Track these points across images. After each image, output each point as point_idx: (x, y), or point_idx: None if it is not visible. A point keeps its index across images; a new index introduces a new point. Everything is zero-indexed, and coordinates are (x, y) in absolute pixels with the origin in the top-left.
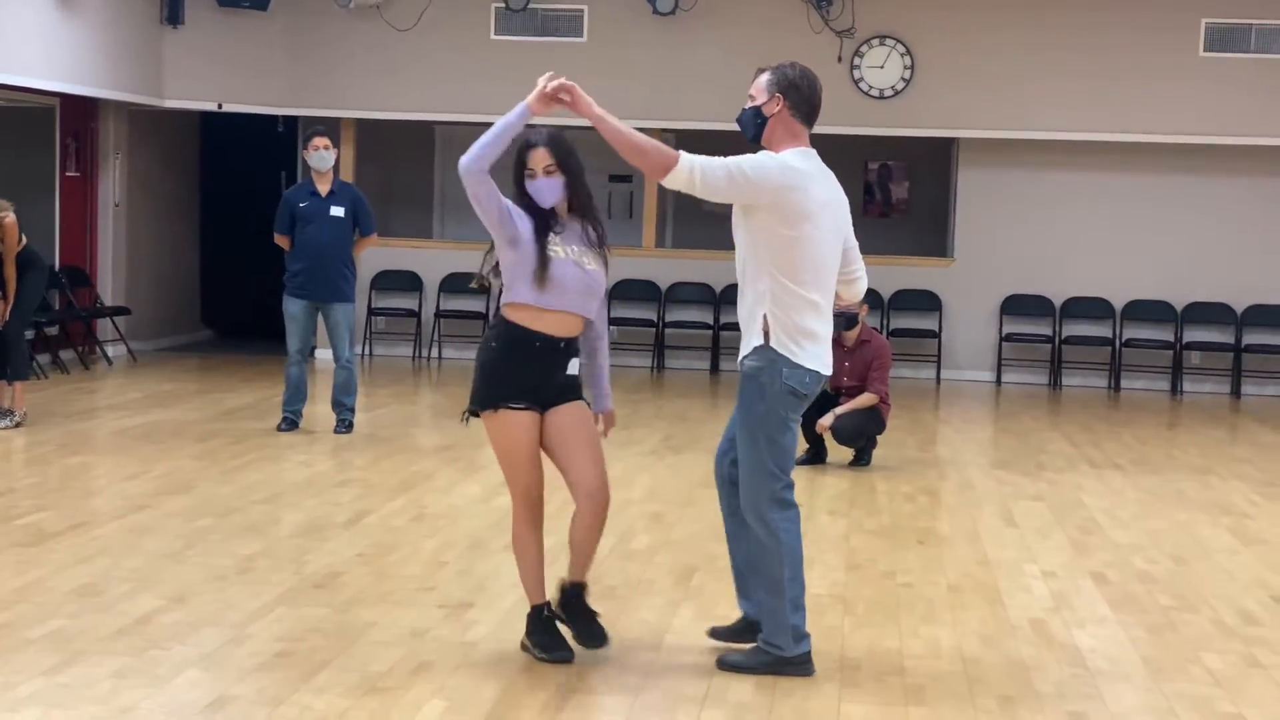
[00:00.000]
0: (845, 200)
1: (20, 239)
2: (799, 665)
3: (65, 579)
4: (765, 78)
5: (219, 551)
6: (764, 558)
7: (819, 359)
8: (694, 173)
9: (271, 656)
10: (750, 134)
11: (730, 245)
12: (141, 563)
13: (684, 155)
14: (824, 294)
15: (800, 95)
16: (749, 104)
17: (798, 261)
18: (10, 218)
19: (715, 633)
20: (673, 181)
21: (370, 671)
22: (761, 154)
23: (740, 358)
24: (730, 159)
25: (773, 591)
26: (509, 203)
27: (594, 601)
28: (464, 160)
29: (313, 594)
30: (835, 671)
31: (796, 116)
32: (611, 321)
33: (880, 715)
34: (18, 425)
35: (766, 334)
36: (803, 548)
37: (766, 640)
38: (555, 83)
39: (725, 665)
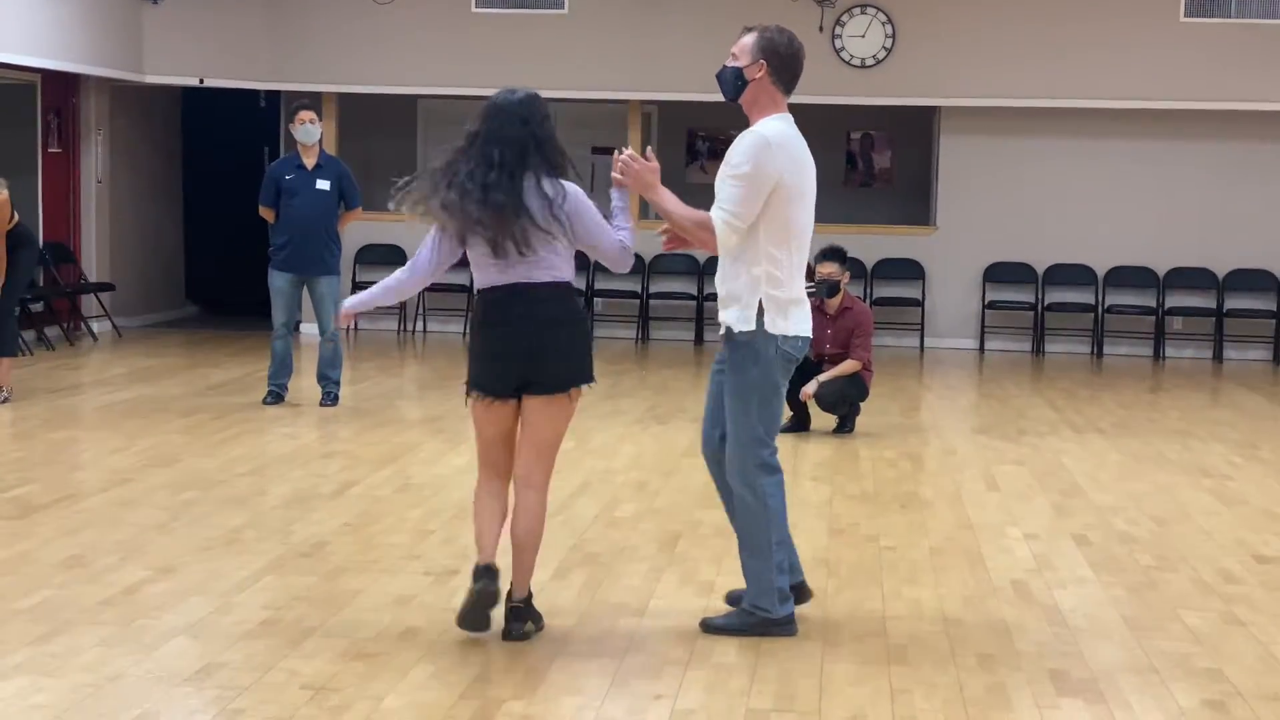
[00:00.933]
0: (814, 166)
1: (13, 216)
2: (784, 626)
3: (52, 551)
4: (750, 39)
5: (205, 523)
6: (750, 522)
7: (805, 323)
8: (726, 217)
9: (259, 624)
10: (729, 94)
11: None
12: (128, 534)
13: (714, 216)
14: (805, 257)
15: (783, 62)
16: (731, 62)
17: (793, 232)
18: (3, 195)
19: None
20: (725, 239)
21: (357, 637)
22: (746, 143)
23: (727, 328)
24: (729, 176)
25: (759, 555)
26: None
27: (580, 568)
28: (630, 254)
29: (299, 563)
30: (818, 633)
31: (778, 83)
32: (596, 294)
33: (862, 674)
34: (4, 401)
35: (761, 317)
36: (787, 512)
37: (753, 603)
38: (621, 162)
39: (710, 628)
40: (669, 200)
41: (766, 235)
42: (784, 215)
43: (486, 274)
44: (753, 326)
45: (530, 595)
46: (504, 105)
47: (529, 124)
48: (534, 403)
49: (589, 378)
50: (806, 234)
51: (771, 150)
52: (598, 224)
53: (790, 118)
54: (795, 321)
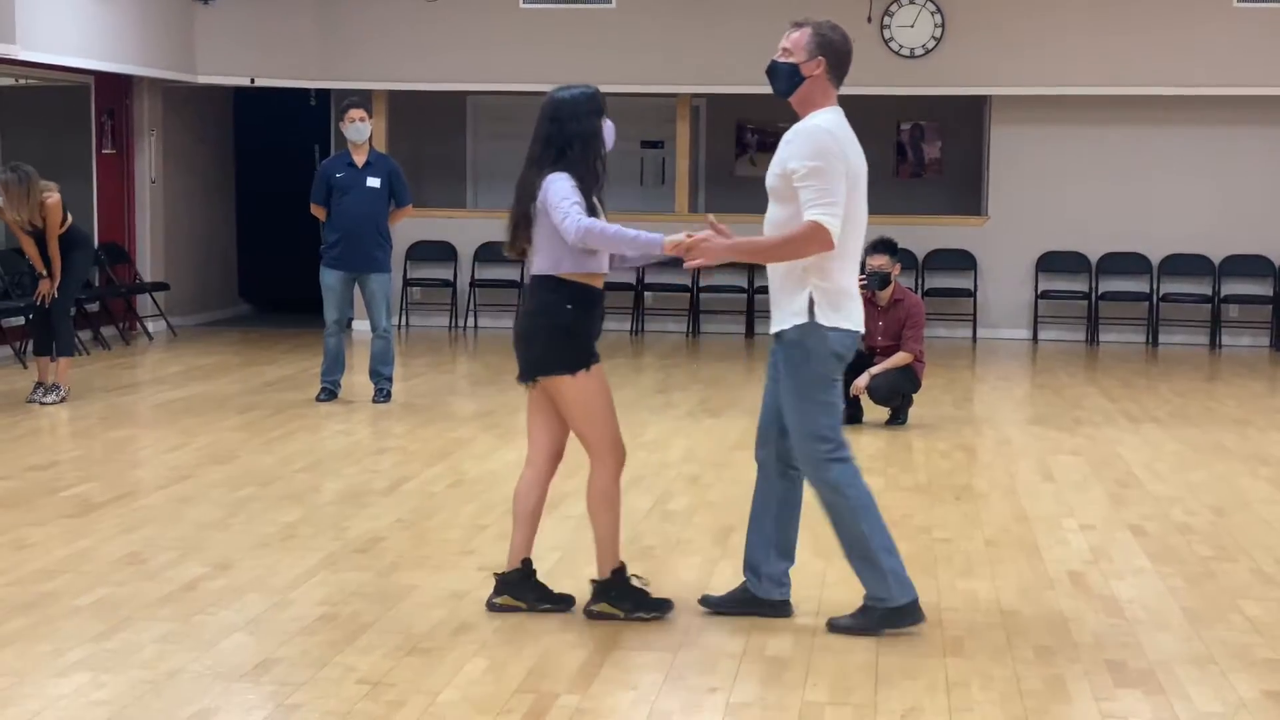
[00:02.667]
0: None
1: (66, 218)
2: (910, 613)
3: (111, 548)
4: (805, 36)
5: (261, 519)
6: (837, 518)
7: (856, 317)
8: (829, 213)
9: (315, 620)
10: (782, 90)
11: (762, 209)
12: (186, 531)
13: (813, 219)
14: (859, 247)
15: (839, 58)
16: (783, 58)
17: (847, 220)
18: (54, 198)
19: (707, 600)
20: (839, 232)
21: (412, 633)
22: (806, 137)
23: (777, 328)
24: (809, 173)
25: (857, 548)
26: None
27: (634, 561)
28: (587, 237)
29: (354, 559)
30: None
31: (832, 78)
32: (646, 288)
33: (919, 667)
34: (62, 400)
35: (812, 312)
36: (872, 496)
37: (871, 596)
38: (685, 242)
39: (835, 628)
40: (753, 244)
41: None
42: (845, 205)
43: None
44: (804, 320)
45: (609, 577)
46: (545, 103)
47: (558, 122)
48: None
49: (552, 369)
50: (859, 224)
51: (836, 138)
52: (555, 206)
53: (841, 110)
54: (846, 314)
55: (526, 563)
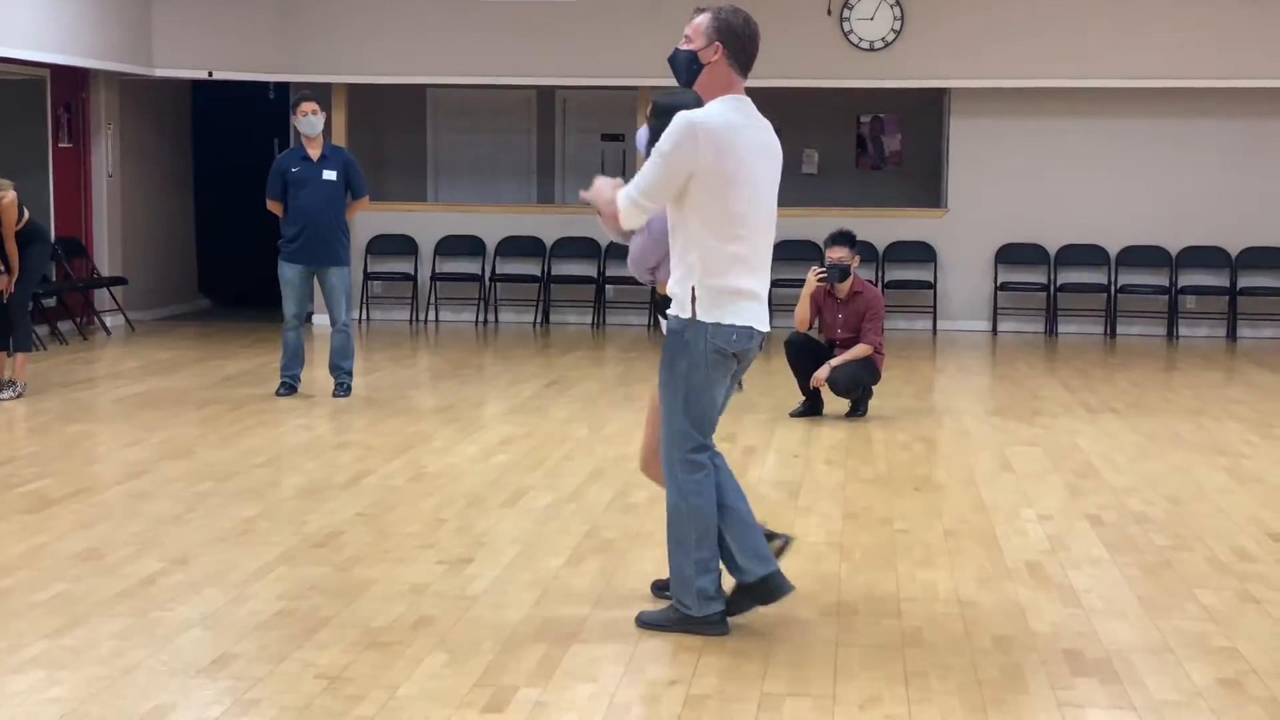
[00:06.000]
0: (779, 151)
1: (23, 213)
2: (709, 625)
3: (68, 544)
4: (704, 20)
5: (219, 514)
6: (673, 516)
7: (750, 315)
8: (633, 194)
9: (273, 615)
10: (683, 79)
11: None
12: (143, 527)
13: (619, 195)
14: (756, 247)
15: (739, 44)
16: (684, 45)
17: (729, 219)
18: (9, 196)
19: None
20: (629, 219)
21: (371, 627)
22: (673, 125)
23: (668, 318)
24: (652, 155)
25: (680, 551)
26: None
27: (594, 554)
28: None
29: (313, 553)
30: (833, 616)
31: (733, 66)
32: (608, 281)
33: (878, 657)
34: (19, 396)
35: (694, 307)
36: (715, 509)
37: (676, 598)
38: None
39: (641, 622)
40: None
41: (701, 223)
42: (719, 203)
43: None
44: (686, 315)
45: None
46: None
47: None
48: None
49: None
50: (750, 223)
51: (695, 136)
52: None
53: (743, 101)
54: (734, 311)
55: None
